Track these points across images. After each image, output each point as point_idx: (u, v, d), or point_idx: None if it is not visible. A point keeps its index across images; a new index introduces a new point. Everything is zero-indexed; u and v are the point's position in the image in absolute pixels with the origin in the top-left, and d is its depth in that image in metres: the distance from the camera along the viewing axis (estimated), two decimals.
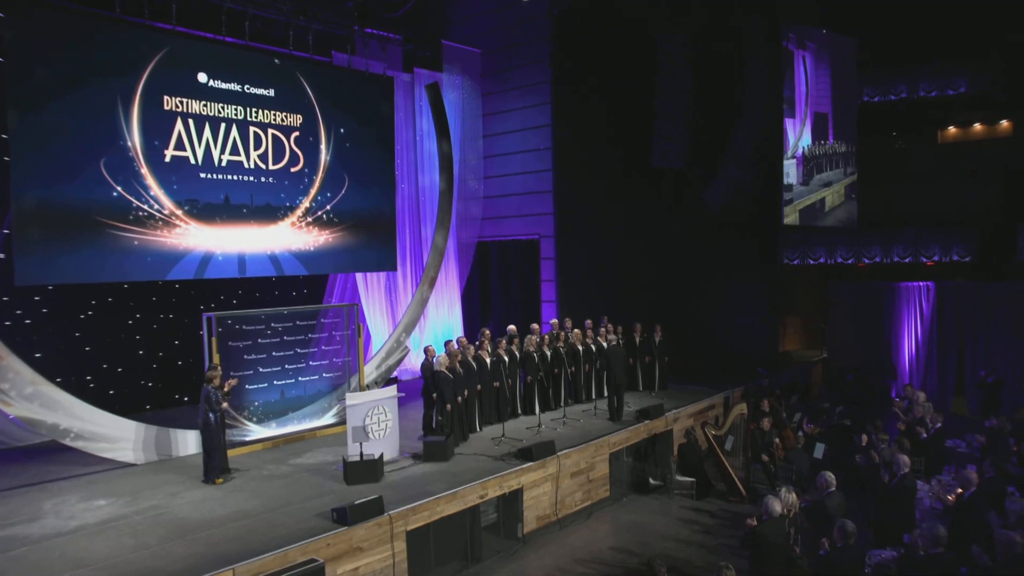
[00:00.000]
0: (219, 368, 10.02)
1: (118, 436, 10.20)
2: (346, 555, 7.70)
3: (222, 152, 11.84)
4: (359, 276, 15.72)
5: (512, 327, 13.68)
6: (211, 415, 9.55)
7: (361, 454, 9.39)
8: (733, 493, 11.49)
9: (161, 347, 13.83)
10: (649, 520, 10.75)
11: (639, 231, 17.92)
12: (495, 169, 18.78)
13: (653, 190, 17.95)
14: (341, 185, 13.72)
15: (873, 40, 18.20)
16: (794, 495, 7.37)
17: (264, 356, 11.34)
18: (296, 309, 12.23)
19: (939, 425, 10.68)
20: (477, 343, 12.56)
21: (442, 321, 17.77)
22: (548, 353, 13.38)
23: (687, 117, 16.57)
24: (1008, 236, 17.29)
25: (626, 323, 14.96)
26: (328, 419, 12.16)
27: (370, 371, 13.66)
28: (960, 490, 8.69)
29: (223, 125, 11.86)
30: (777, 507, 7.04)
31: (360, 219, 13.99)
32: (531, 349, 13.09)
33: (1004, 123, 19.11)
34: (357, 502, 7.96)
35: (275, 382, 11.52)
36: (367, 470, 9.31)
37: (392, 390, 10.44)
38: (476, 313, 19.14)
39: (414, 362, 16.49)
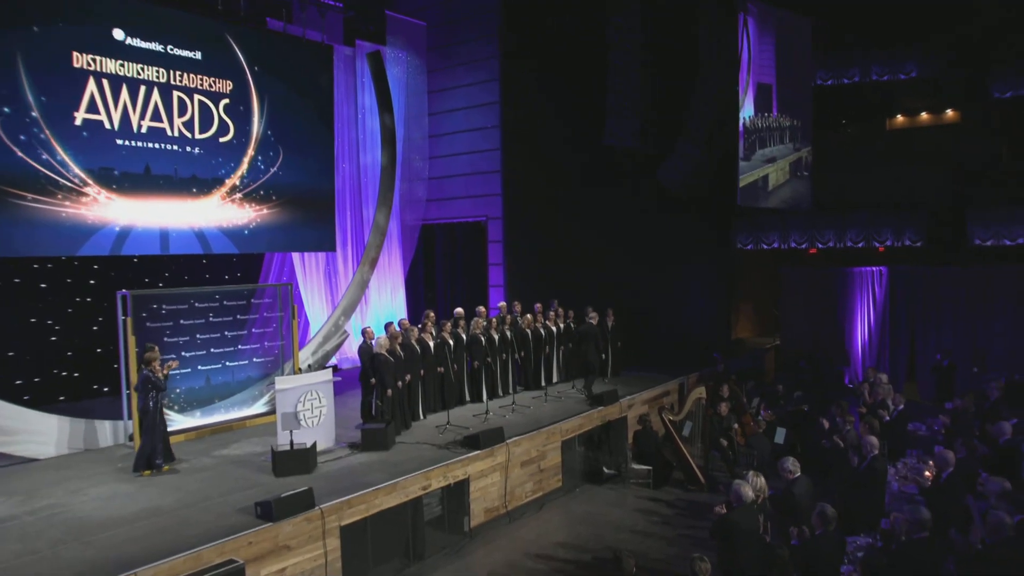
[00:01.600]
0: (157, 349, 9.09)
1: (17, 428, 9.17)
2: (271, 554, 6.88)
3: (142, 118, 10.81)
4: (296, 258, 14.77)
5: (459, 309, 12.95)
6: (150, 402, 8.71)
7: (292, 443, 8.55)
8: (691, 481, 10.97)
9: (77, 332, 12.65)
10: (604, 511, 10.15)
11: (591, 213, 17.33)
12: (441, 149, 17.97)
13: (605, 170, 17.38)
14: (275, 158, 12.78)
15: (828, 22, 17.96)
16: (763, 479, 6.82)
17: (187, 339, 10.38)
18: (224, 288, 11.26)
19: (901, 407, 10.32)
20: (420, 325, 11.78)
21: (385, 307, 16.90)
22: (496, 337, 12.69)
23: (640, 94, 16.03)
24: (958, 221, 17.24)
25: (577, 307, 14.37)
26: (259, 408, 11.25)
27: (306, 357, 12.79)
28: (929, 473, 8.31)
29: (143, 88, 10.82)
30: (748, 493, 6.47)
31: (296, 195, 13.06)
32: (478, 332, 12.39)
33: (950, 112, 19.10)
34: (284, 495, 7.15)
35: (200, 367, 10.56)
36: (298, 460, 8.48)
37: (327, 374, 9.62)
38: (421, 298, 18.32)
39: (354, 349, 15.59)
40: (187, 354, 10.34)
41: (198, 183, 11.58)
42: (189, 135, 11.43)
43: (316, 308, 15.10)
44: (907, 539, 5.64)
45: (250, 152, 12.34)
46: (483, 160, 17.33)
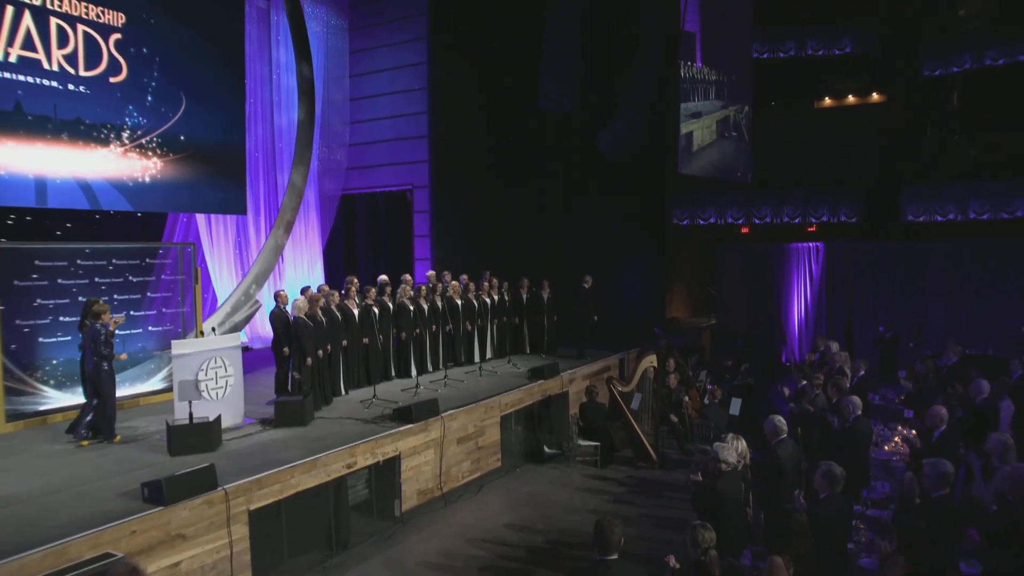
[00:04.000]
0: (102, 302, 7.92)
1: None
2: (161, 545, 5.62)
3: (9, 44, 9.20)
4: (202, 224, 13.28)
5: (384, 276, 11.76)
6: (103, 360, 7.72)
7: (191, 416, 7.25)
8: (642, 458, 10.13)
9: None
10: (549, 491, 9.20)
11: (523, 181, 16.41)
12: (363, 113, 16.67)
13: (539, 136, 16.48)
14: (177, 107, 11.26)
15: None
16: (744, 443, 6.00)
17: (66, 302, 8.88)
18: (114, 246, 9.75)
19: (862, 373, 9.74)
20: (343, 291, 10.54)
21: (301, 280, 15.50)
22: (425, 307, 11.58)
23: (579, 55, 15.17)
24: (892, 198, 17.11)
25: (510, 281, 13.41)
26: (155, 384, 9.83)
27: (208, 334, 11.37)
28: (907, 435, 7.68)
29: (10, 9, 9.19)
30: (732, 457, 5.64)
31: (202, 150, 11.55)
32: (405, 300, 11.25)
33: (875, 96, 18.99)
34: (179, 473, 5.90)
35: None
36: (199, 436, 7.19)
37: (236, 338, 8.35)
38: (340, 272, 16.91)
39: (266, 324, 14.16)
40: (65, 319, 8.84)
41: (84, 128, 9.99)
42: (72, 71, 9.84)
43: (224, 280, 13.64)
44: (929, 497, 4.89)
45: (148, 98, 10.83)
46: (408, 125, 16.13)
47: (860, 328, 16.63)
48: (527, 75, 15.29)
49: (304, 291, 9.98)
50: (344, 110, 16.32)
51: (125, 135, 10.45)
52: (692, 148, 14.52)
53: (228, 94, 12.15)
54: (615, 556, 4.09)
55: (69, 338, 8.90)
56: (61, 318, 8.79)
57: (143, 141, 10.69)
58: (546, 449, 10.56)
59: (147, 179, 10.75)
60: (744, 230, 19.25)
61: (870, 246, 17.08)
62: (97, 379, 7.78)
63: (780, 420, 6.33)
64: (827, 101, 19.64)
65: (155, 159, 10.82)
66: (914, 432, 7.33)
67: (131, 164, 10.53)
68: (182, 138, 11.21)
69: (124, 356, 8.25)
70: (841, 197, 17.46)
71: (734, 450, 5.71)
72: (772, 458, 6.11)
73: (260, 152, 14.57)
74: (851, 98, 19.40)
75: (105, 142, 10.17)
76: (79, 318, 8.28)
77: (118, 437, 7.83)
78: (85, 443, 7.70)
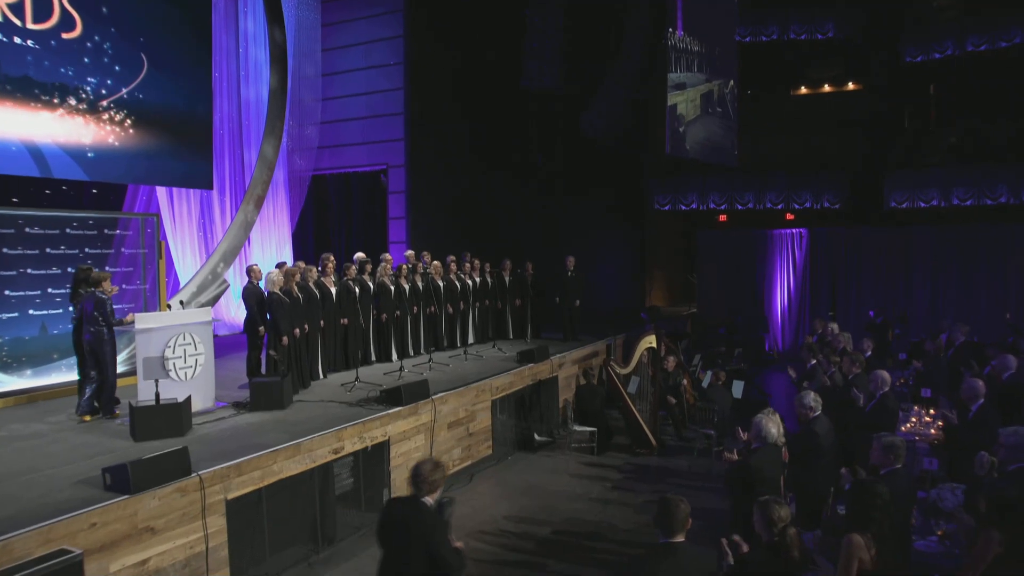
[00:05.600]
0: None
1: None
2: (126, 540, 4.87)
3: None
4: (164, 199, 12.35)
5: (361, 254, 11.00)
6: (104, 330, 7.13)
7: (157, 396, 6.47)
8: (641, 444, 9.56)
9: None
10: (546, 480, 8.57)
11: (503, 162, 15.76)
12: (335, 90, 15.88)
13: (521, 116, 15.84)
14: (137, 71, 10.34)
15: None
16: (779, 418, 5.46)
17: (13, 274, 8.02)
18: (68, 214, 8.86)
19: (868, 354, 9.30)
20: (320, 268, 9.76)
21: (269, 264, 14.66)
22: (406, 287, 10.87)
23: (562, 32, 14.57)
24: (875, 184, 16.86)
25: (491, 263, 12.75)
26: None
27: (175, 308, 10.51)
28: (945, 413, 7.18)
29: None
30: (773, 431, 5.08)
31: (165, 119, 10.64)
32: (385, 280, 10.53)
33: (856, 82, 18.75)
34: (146, 456, 5.13)
35: (31, 312, 8.20)
36: (166, 419, 6.40)
37: (206, 312, 7.56)
38: (311, 257, 16.14)
39: (232, 311, 13.34)
40: (12, 293, 7.97)
41: (33, 86, 9.06)
42: (17, 22, 8.91)
43: (187, 261, 12.73)
44: (1007, 471, 4.40)
45: (104, 59, 9.92)
46: (384, 102, 15.42)
47: (844, 315, 16.30)
48: (509, 52, 14.66)
49: (280, 266, 9.22)
50: (316, 86, 15.47)
51: (80, 96, 9.54)
52: (679, 125, 13.95)
53: (193, 61, 11.26)
54: (682, 538, 3.49)
55: (15, 314, 8.03)
56: (7, 292, 7.91)
57: (101, 104, 9.77)
58: (536, 437, 9.93)
59: (104, 146, 9.84)
60: (722, 218, 18.87)
61: (854, 231, 16.80)
62: (100, 348, 7.16)
63: (814, 396, 5.80)
64: (809, 87, 19.39)
65: (113, 126, 9.91)
66: (951, 411, 6.82)
67: (86, 130, 9.61)
68: (143, 105, 10.30)
69: (131, 317, 7.42)
70: (824, 183, 17.17)
71: (776, 424, 5.15)
72: (809, 436, 5.56)
73: (226, 127, 13.68)
74: (833, 83, 19.17)
75: (56, 104, 9.25)
76: (69, 288, 7.64)
77: (118, 412, 7.25)
78: (88, 418, 7.17)
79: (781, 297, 17.40)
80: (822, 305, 16.82)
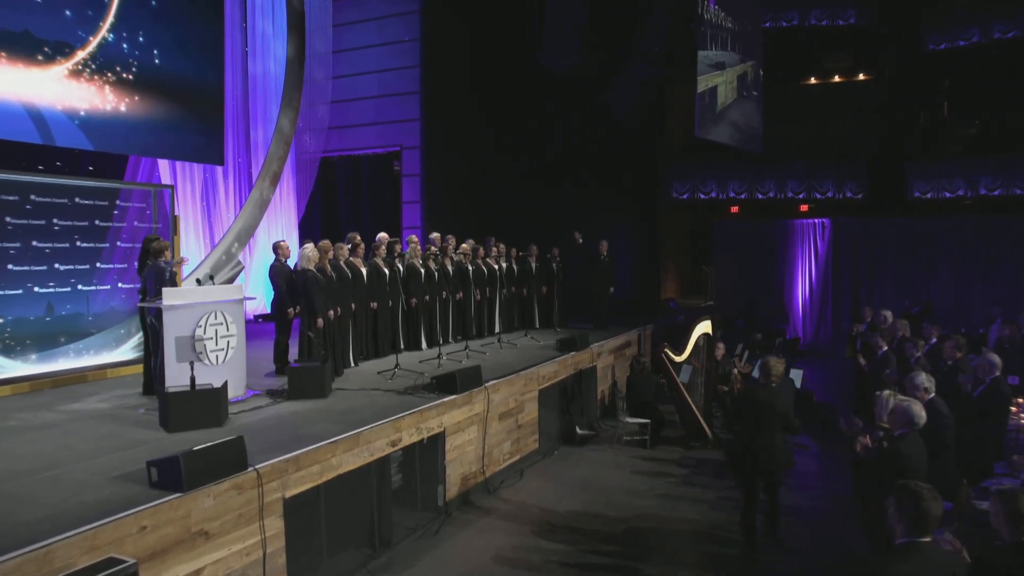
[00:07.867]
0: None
1: None
2: (178, 546, 4.10)
3: None
4: (166, 174, 11.52)
5: (383, 234, 10.19)
6: None
7: (192, 380, 5.68)
8: (695, 437, 8.90)
9: None
10: (602, 475, 7.88)
11: (521, 144, 15.03)
12: (345, 67, 15.03)
13: (539, 96, 15.11)
14: (145, 33, 9.51)
15: None
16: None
17: (17, 247, 7.18)
18: (78, 182, 8.01)
19: (934, 340, 8.73)
20: (350, 247, 8.95)
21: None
22: (435, 270, 10.12)
23: (585, 8, 13.90)
24: (897, 174, 16.39)
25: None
26: (126, 352, 8.16)
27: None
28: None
29: None
30: (921, 413, 4.46)
31: (173, 86, 9.81)
32: (416, 262, 9.78)
33: (879, 69, 18.25)
34: (200, 447, 4.37)
35: (37, 289, 7.37)
36: (203, 406, 5.60)
37: (238, 289, 6.78)
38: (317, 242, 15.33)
39: (246, 288, 12.43)
40: (15, 268, 7.13)
41: (33, 43, 8.20)
42: None
43: (191, 241, 11.90)
44: None
45: (109, 16, 9.06)
46: (398, 80, 14.62)
47: (867, 306, 15.82)
48: (527, 29, 13.96)
49: (308, 244, 8.42)
50: (327, 63, 14.59)
51: (84, 59, 8.69)
52: (716, 107, 13.25)
53: (203, 28, 10.46)
54: (929, 538, 2.85)
55: (19, 292, 7.20)
56: (10, 266, 7.08)
57: (104, 68, 8.92)
58: (578, 430, 9.25)
59: (109, 114, 9.00)
60: (733, 209, 18.30)
61: (878, 222, 16.31)
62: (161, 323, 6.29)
63: (925, 376, 5.29)
64: (827, 74, 18.86)
65: (119, 91, 9.06)
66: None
67: (90, 94, 8.77)
68: (151, 71, 9.49)
69: (186, 259, 6.98)
70: (845, 173, 16.67)
71: (921, 406, 4.52)
72: (936, 416, 4.94)
73: (230, 105, 12.84)
74: (851, 71, 18.66)
75: (59, 63, 8.40)
76: (138, 261, 7.33)
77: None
78: None
79: (803, 289, 16.86)
80: (844, 299, 16.29)
